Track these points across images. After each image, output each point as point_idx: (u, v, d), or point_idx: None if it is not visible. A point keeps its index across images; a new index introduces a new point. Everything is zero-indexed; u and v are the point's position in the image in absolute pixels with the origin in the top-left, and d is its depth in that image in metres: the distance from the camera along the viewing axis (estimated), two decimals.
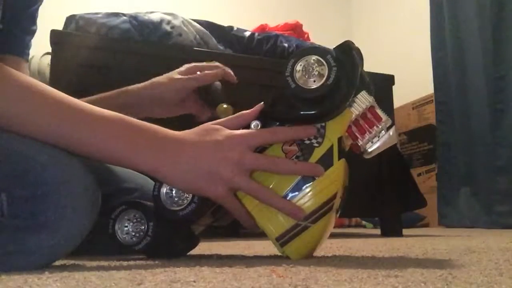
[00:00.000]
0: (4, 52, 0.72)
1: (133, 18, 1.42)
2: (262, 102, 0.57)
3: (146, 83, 0.77)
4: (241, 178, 0.52)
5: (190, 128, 0.56)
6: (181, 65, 0.80)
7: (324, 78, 0.53)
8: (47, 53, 2.10)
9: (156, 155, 0.52)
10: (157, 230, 0.57)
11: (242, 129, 0.56)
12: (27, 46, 0.77)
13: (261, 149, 0.55)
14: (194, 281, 0.37)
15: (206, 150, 0.52)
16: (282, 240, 0.53)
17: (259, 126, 0.56)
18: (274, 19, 2.21)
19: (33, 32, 0.77)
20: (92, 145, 0.51)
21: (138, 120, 0.54)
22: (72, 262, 0.56)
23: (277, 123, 0.56)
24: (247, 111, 0.57)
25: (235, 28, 1.62)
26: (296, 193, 0.53)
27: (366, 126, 0.55)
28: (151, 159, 0.52)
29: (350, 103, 0.55)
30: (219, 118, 0.59)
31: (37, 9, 0.76)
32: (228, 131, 0.54)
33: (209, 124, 0.56)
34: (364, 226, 2.66)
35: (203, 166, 0.52)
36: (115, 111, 0.54)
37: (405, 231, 1.59)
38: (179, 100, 0.77)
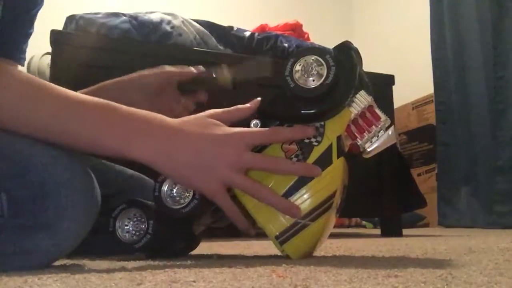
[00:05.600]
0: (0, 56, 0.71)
1: (133, 18, 1.42)
2: (259, 98, 0.57)
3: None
4: (237, 175, 0.52)
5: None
6: (181, 65, 0.80)
7: (323, 78, 0.53)
8: (47, 53, 2.10)
9: (152, 146, 0.51)
10: (157, 228, 0.57)
11: (240, 124, 0.56)
12: (23, 51, 0.76)
13: (260, 148, 0.56)
14: (194, 281, 0.37)
15: (204, 144, 0.52)
16: (282, 238, 0.54)
17: (259, 125, 0.56)
18: (274, 19, 2.20)
19: (29, 36, 0.76)
20: (87, 139, 0.50)
21: (133, 109, 0.52)
22: (72, 262, 0.56)
23: (277, 122, 0.56)
24: (245, 105, 0.57)
25: (235, 28, 1.62)
26: (296, 191, 0.53)
27: (365, 125, 0.55)
28: (146, 150, 0.51)
29: (349, 103, 0.55)
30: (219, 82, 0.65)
31: (36, 12, 0.75)
32: (228, 128, 0.54)
33: (209, 118, 0.56)
34: (364, 226, 2.66)
35: (199, 160, 0.52)
36: None
37: (405, 231, 1.59)
38: (158, 88, 0.75)
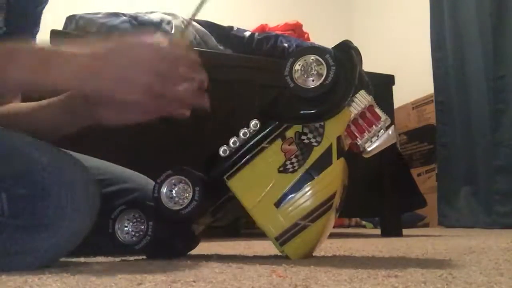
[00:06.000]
0: None
1: (133, 18, 1.42)
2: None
3: None
4: (149, 76, 0.51)
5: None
6: None
7: (323, 78, 0.53)
8: None
9: (67, 69, 0.51)
10: (156, 229, 0.57)
11: (240, 125, 0.56)
12: None
13: (259, 149, 0.55)
14: (194, 281, 0.37)
15: (116, 55, 0.52)
16: (282, 239, 0.54)
17: (258, 126, 0.56)
18: (274, 19, 2.20)
19: (35, 34, 0.76)
20: (18, 80, 0.51)
21: (58, 46, 0.53)
22: (72, 262, 0.56)
23: (276, 122, 0.56)
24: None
25: (235, 28, 1.62)
26: (296, 192, 0.53)
27: (365, 125, 0.55)
28: (62, 75, 0.51)
29: (349, 103, 0.55)
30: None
31: (41, 10, 0.75)
32: (137, 39, 0.54)
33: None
34: (364, 226, 2.66)
35: (117, 73, 0.51)
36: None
37: (405, 231, 1.59)
38: None
